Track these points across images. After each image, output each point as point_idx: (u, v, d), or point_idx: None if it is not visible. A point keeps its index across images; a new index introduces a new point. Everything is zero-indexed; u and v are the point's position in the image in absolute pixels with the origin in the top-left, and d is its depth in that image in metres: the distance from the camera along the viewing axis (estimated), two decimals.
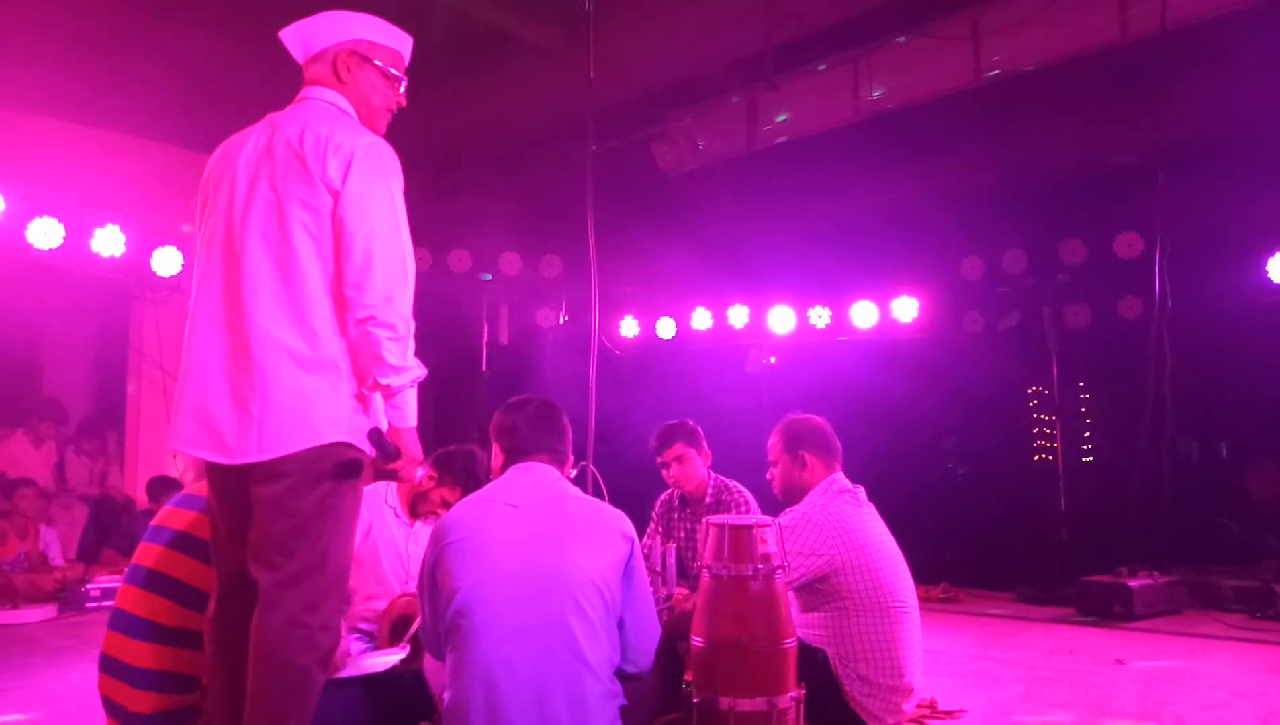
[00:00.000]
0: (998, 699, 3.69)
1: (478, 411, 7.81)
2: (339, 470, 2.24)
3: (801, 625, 3.01)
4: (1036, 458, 7.43)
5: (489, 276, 8.50)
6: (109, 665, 2.72)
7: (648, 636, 2.58)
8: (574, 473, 2.90)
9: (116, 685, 2.69)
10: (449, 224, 8.08)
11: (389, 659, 3.03)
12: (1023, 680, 4.01)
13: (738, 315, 8.19)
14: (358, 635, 3.66)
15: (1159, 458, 5.42)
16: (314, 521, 2.21)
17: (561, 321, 8.82)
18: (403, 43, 2.55)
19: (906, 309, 7.48)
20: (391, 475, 2.88)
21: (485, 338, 8.99)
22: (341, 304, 2.25)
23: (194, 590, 2.65)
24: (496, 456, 2.74)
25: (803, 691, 2.55)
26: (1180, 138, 5.70)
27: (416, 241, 2.35)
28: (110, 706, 2.72)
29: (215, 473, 2.34)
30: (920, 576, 3.43)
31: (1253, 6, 5.11)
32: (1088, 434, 7.48)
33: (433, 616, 2.49)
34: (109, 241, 6.86)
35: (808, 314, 7.93)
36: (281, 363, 2.21)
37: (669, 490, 4.63)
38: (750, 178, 7.38)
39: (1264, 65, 5.34)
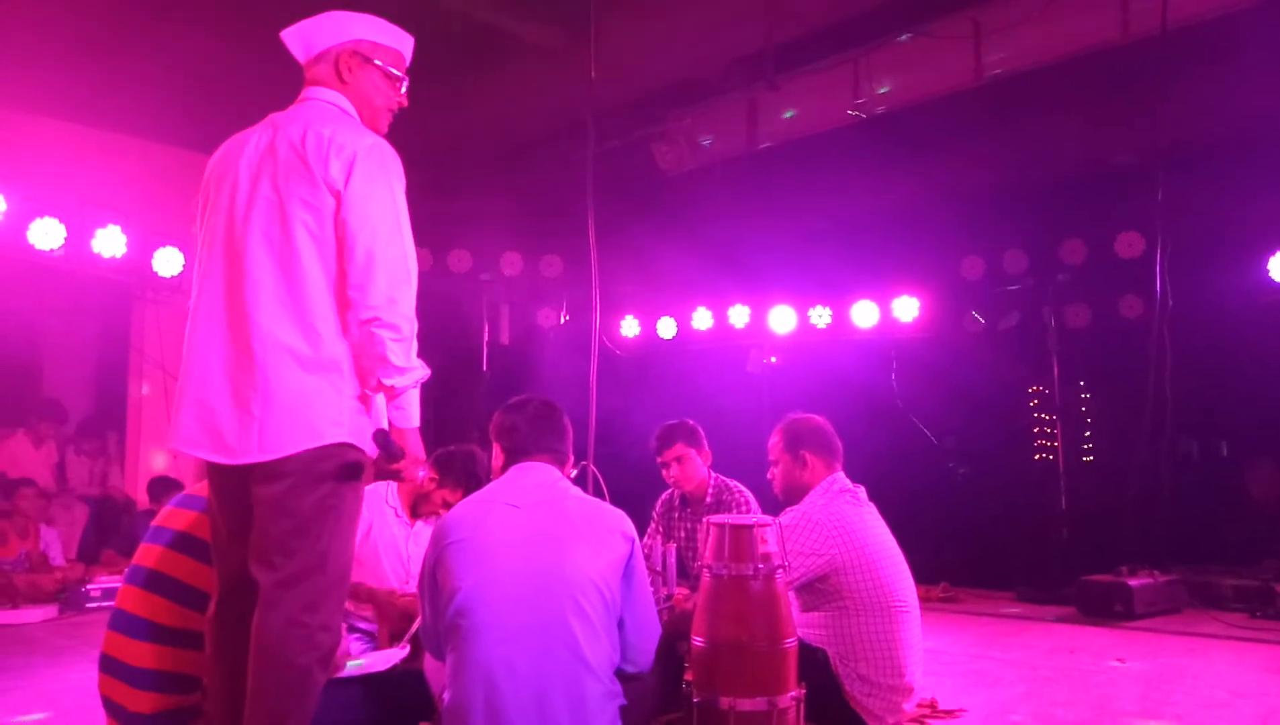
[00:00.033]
0: (998, 698, 3.69)
1: (478, 411, 7.80)
2: (340, 471, 2.24)
3: (802, 625, 3.01)
4: (1037, 457, 7.43)
5: (489, 276, 8.51)
6: (109, 665, 2.72)
7: (648, 636, 2.58)
8: (574, 473, 2.90)
9: (117, 685, 2.69)
10: (449, 224, 8.08)
11: (389, 659, 3.03)
12: (1023, 680, 4.01)
13: (738, 315, 8.19)
14: (357, 635, 3.66)
15: (1159, 457, 5.41)
16: (314, 522, 2.21)
17: (562, 321, 8.82)
18: (404, 42, 2.55)
19: (907, 309, 7.48)
20: (395, 475, 2.88)
21: (486, 338, 8.99)
22: (344, 305, 2.25)
23: (194, 590, 2.65)
24: (497, 456, 2.74)
25: (803, 691, 2.55)
26: (1180, 137, 5.71)
27: (416, 241, 2.35)
28: (110, 707, 2.72)
29: (216, 473, 2.34)
30: (920, 576, 3.43)
31: (1253, 6, 5.10)
32: (1088, 433, 7.48)
33: (433, 616, 2.49)
34: (110, 242, 6.86)
35: (808, 314, 7.92)
36: (283, 363, 2.21)
37: (669, 490, 4.63)
38: (750, 177, 7.38)
39: (1264, 65, 5.34)
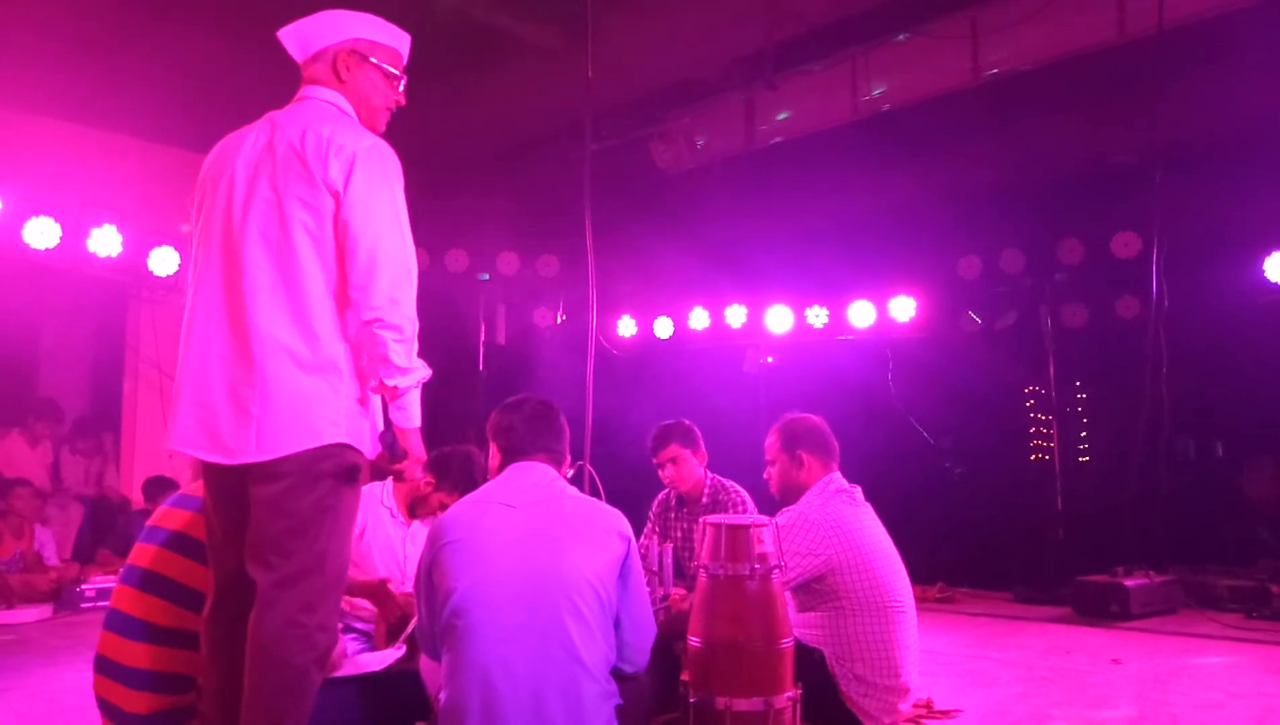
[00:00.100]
0: (994, 699, 3.69)
1: (475, 411, 7.79)
2: (338, 471, 2.24)
3: (798, 625, 3.01)
4: (1033, 457, 7.44)
5: (486, 276, 8.50)
6: (104, 666, 2.72)
7: (644, 636, 2.58)
8: (571, 472, 2.90)
9: (112, 686, 2.69)
10: (447, 223, 8.08)
11: (385, 658, 3.03)
12: (1019, 680, 4.01)
13: (735, 315, 8.19)
14: (354, 635, 3.66)
15: (1156, 457, 5.42)
16: (312, 522, 2.21)
17: (559, 321, 8.81)
18: (401, 41, 2.55)
19: (904, 308, 7.48)
20: (396, 475, 2.88)
21: (483, 337, 8.98)
22: (342, 305, 2.25)
23: (189, 590, 2.65)
24: (494, 456, 2.74)
25: (799, 691, 2.55)
26: (1178, 137, 5.71)
27: (414, 241, 2.35)
28: (105, 707, 2.71)
29: (212, 473, 2.33)
30: (917, 576, 3.44)
31: (1251, 6, 5.11)
32: (1084, 433, 7.49)
33: (429, 616, 2.49)
34: (106, 241, 6.85)
35: (805, 313, 7.92)
36: (282, 363, 2.20)
37: (666, 490, 4.63)
38: (749, 177, 7.39)
39: (1262, 65, 5.35)
